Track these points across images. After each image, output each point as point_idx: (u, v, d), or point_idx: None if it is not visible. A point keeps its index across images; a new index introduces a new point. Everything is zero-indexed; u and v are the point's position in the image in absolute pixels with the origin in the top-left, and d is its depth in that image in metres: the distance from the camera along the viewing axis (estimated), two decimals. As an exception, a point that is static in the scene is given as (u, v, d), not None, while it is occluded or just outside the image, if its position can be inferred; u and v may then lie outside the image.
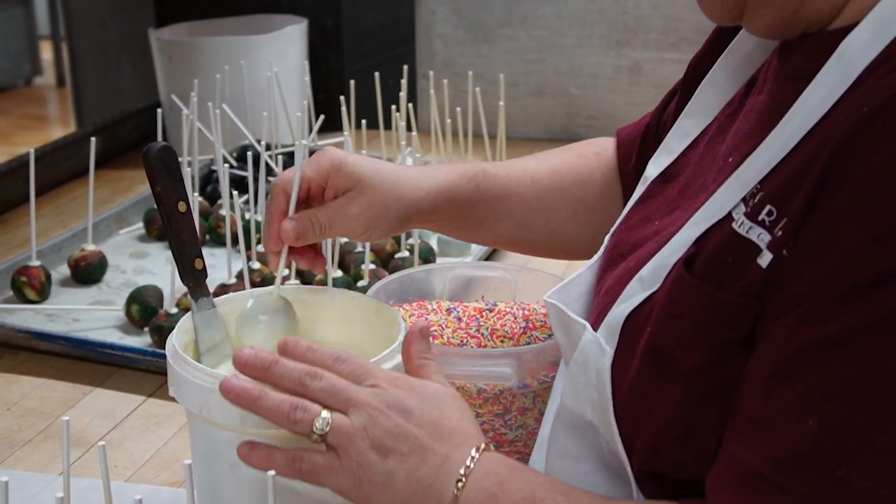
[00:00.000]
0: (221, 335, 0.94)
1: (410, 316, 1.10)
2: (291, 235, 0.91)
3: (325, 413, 0.76)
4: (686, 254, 0.72)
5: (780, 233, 0.65)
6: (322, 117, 1.78)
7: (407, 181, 0.95)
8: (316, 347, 0.81)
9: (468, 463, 0.73)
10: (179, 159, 1.62)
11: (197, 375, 0.84)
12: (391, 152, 1.80)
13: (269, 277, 1.41)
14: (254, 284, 1.38)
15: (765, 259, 0.65)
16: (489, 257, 1.54)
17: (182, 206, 0.91)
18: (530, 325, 1.09)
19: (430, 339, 0.83)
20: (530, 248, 1.07)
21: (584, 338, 0.80)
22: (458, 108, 1.75)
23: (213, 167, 1.73)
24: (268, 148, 1.74)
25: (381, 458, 0.74)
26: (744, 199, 0.69)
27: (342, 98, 1.74)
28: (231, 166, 1.73)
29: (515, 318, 1.11)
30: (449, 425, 0.75)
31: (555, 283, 1.19)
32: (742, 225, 0.68)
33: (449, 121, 1.72)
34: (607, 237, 0.88)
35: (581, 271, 0.87)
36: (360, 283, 1.38)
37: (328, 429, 0.75)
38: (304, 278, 1.42)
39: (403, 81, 1.77)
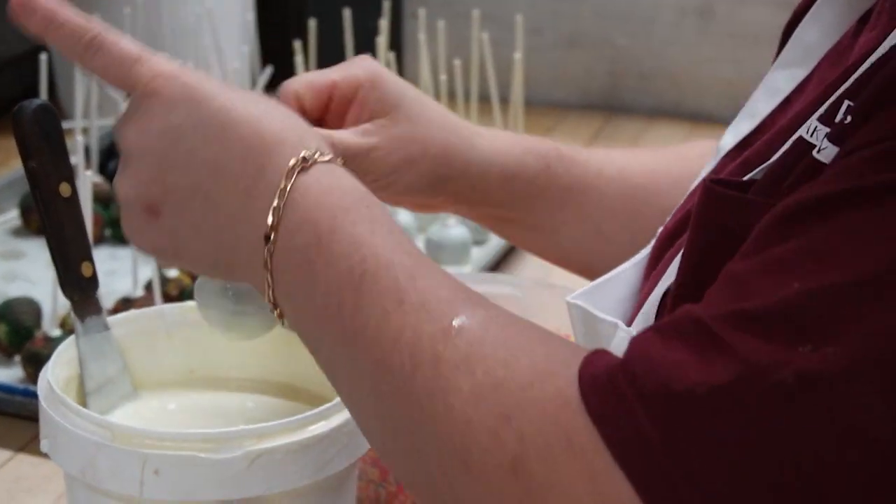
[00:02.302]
0: (117, 368, 0.94)
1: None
2: None
3: None
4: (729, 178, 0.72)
5: (847, 118, 0.65)
6: (269, 69, 1.78)
7: (459, 131, 0.97)
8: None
9: (271, 217, 0.71)
10: (69, 124, 1.63)
11: (80, 424, 0.84)
12: (364, 120, 1.80)
13: (190, 289, 1.41)
14: (168, 299, 1.38)
15: (826, 153, 0.66)
16: (496, 267, 1.54)
17: (65, 189, 0.91)
18: (547, 363, 1.09)
19: None
20: (605, 266, 1.00)
21: (617, 337, 0.80)
22: (459, 61, 1.75)
23: (118, 136, 1.73)
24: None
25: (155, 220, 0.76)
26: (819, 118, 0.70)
27: (298, 44, 1.74)
28: (142, 135, 1.72)
29: (527, 353, 1.11)
30: (232, 153, 0.73)
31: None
32: (816, 131, 0.68)
33: (445, 78, 1.72)
34: (661, 228, 0.89)
35: (621, 269, 0.87)
36: (316, 301, 1.38)
37: None
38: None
39: (384, 22, 1.77)
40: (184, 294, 1.40)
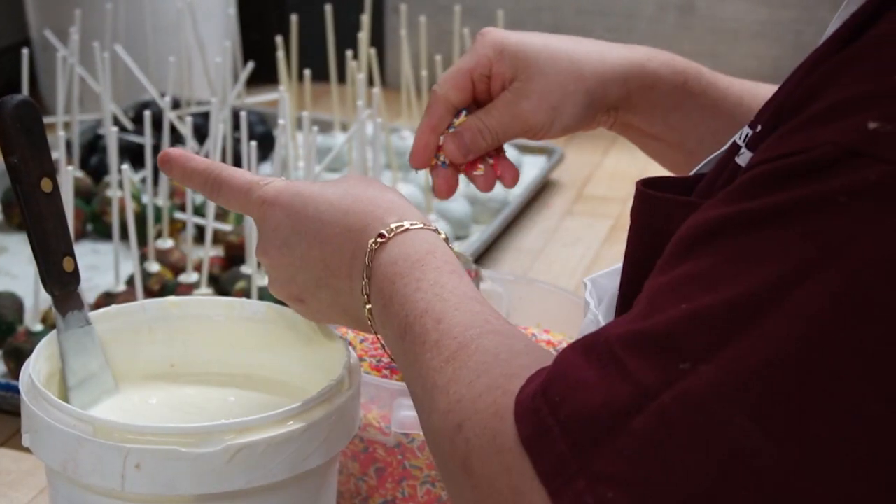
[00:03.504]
0: (98, 363, 0.95)
1: (362, 342, 1.10)
2: (458, 152, 1.02)
3: None
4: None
5: (758, 126, 0.68)
6: (251, 65, 1.77)
7: (588, 56, 1.03)
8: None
9: (364, 292, 0.85)
10: (51, 119, 1.63)
11: (61, 419, 0.85)
12: (345, 115, 1.81)
13: (171, 284, 1.41)
14: (150, 294, 1.38)
15: (743, 157, 0.70)
16: (477, 262, 1.54)
17: (46, 185, 0.91)
18: (527, 358, 1.09)
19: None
20: None
21: (586, 318, 0.84)
22: (440, 56, 1.75)
23: (100, 131, 1.73)
24: (175, 105, 1.73)
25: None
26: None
27: (279, 39, 1.74)
28: (124, 129, 1.72)
29: (507, 348, 1.12)
30: (331, 255, 0.87)
31: (565, 300, 1.20)
32: (746, 136, 0.72)
33: (426, 73, 1.72)
34: None
35: None
36: (297, 295, 1.38)
37: None
38: (220, 285, 1.42)
39: (365, 17, 1.77)
40: (165, 289, 1.40)
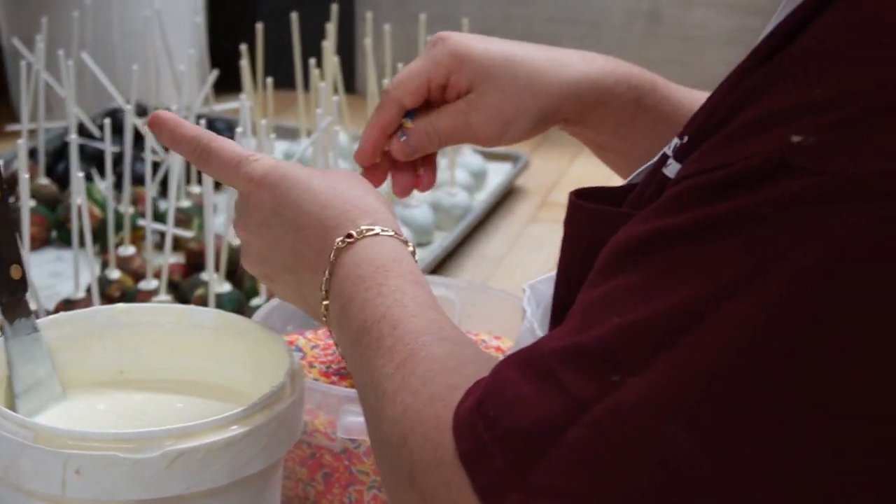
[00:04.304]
0: (45, 371, 0.95)
1: (313, 348, 1.11)
2: (402, 152, 1.02)
3: None
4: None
5: (685, 137, 0.70)
6: (215, 73, 1.78)
7: (544, 74, 1.03)
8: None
9: (323, 288, 0.86)
10: (19, 127, 1.64)
11: (3, 425, 0.85)
12: (310, 122, 1.81)
13: (131, 291, 1.41)
14: (110, 300, 1.38)
15: (671, 168, 0.71)
16: (434, 270, 1.55)
17: (-6, 192, 0.92)
18: (476, 364, 1.10)
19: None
20: None
21: (522, 326, 0.85)
22: (402, 64, 1.75)
23: (67, 137, 1.73)
24: (142, 113, 1.74)
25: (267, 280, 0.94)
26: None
27: (244, 47, 1.75)
28: (91, 137, 1.73)
29: (457, 354, 1.12)
30: (303, 251, 0.88)
31: (517, 307, 1.20)
32: (675, 146, 0.73)
33: (389, 82, 1.72)
34: None
35: None
36: (256, 301, 1.38)
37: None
38: (180, 292, 1.43)
39: (330, 26, 1.77)
40: (125, 296, 1.40)
